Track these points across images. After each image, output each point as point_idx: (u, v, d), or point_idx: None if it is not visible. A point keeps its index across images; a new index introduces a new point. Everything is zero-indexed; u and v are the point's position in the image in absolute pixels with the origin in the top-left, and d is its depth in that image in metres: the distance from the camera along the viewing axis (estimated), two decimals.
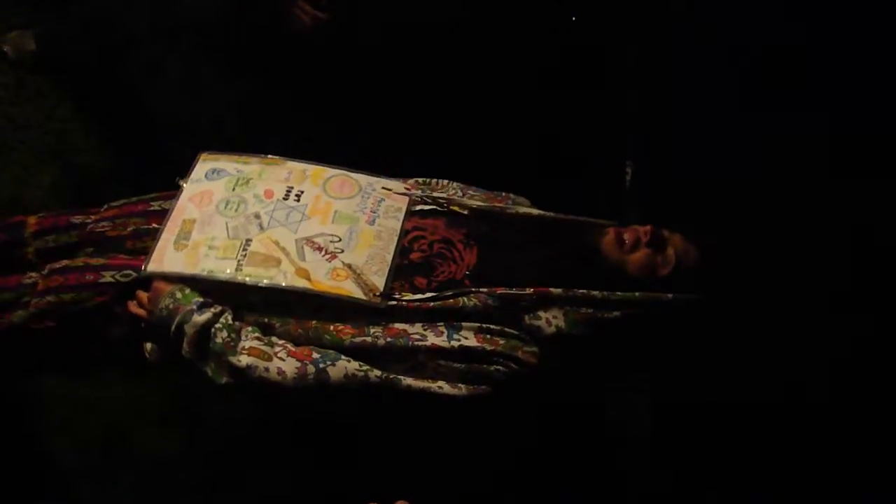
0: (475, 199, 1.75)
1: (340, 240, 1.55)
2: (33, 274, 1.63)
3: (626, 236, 1.57)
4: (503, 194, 1.82)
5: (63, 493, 2.28)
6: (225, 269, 1.50)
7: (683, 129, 2.55)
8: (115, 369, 2.06)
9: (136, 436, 2.38)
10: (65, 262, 1.62)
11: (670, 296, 1.54)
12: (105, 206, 1.75)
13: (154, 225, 1.62)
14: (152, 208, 1.69)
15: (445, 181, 1.82)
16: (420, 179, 1.80)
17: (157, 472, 2.36)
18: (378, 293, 1.48)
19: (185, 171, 1.70)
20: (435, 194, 1.71)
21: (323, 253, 1.53)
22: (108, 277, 1.57)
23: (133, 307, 1.52)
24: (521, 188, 2.47)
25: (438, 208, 1.67)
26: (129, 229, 1.66)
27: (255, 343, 1.43)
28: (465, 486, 2.39)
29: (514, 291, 1.50)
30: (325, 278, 1.49)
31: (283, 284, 1.48)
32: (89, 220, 1.71)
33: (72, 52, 2.62)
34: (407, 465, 2.31)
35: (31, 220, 1.75)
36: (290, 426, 2.40)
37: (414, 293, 1.50)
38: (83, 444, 2.32)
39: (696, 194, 2.46)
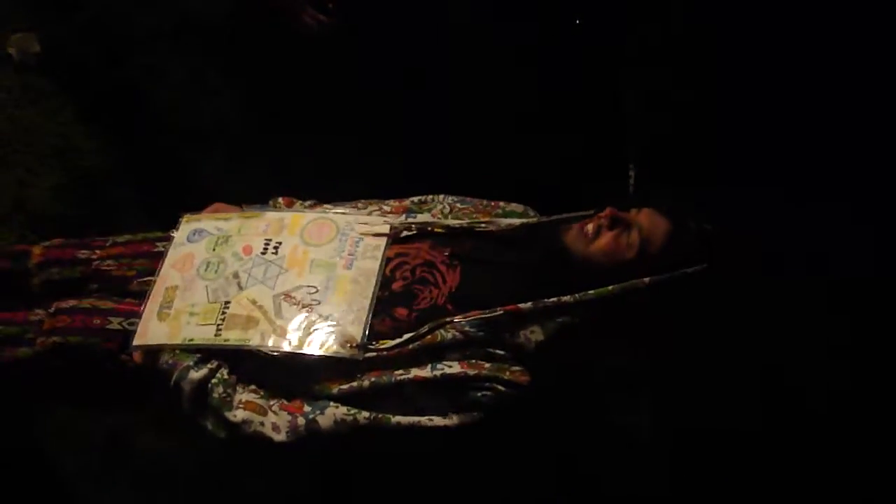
0: (463, 212, 1.74)
1: (317, 290, 1.57)
2: (40, 311, 1.65)
3: (589, 226, 1.56)
4: (493, 203, 1.79)
5: (63, 496, 2.29)
6: (204, 336, 1.53)
7: (686, 131, 2.55)
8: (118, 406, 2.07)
9: (137, 439, 2.38)
10: (72, 303, 1.64)
11: (647, 280, 1.50)
12: (110, 241, 1.76)
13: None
14: (157, 250, 1.71)
15: (441, 196, 1.80)
16: (415, 199, 1.79)
17: (157, 474, 2.37)
18: (355, 344, 1.49)
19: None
20: (419, 218, 1.70)
21: (300, 307, 1.55)
22: (115, 324, 1.59)
23: (138, 358, 1.54)
24: (523, 195, 2.49)
25: (420, 232, 1.66)
26: (135, 271, 1.68)
27: (251, 396, 1.47)
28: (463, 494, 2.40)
29: (486, 315, 1.48)
30: (302, 335, 1.51)
31: (260, 347, 1.51)
32: (94, 257, 1.72)
33: (76, 55, 2.63)
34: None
35: (36, 250, 1.76)
36: None
37: (394, 332, 1.50)
38: (84, 446, 2.33)
39: (699, 197, 2.46)
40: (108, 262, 1.70)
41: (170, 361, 1.49)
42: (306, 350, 1.49)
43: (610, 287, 1.49)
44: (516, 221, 1.67)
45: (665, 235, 1.55)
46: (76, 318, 1.60)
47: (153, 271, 1.64)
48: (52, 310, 1.63)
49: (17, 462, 2.21)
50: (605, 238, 1.54)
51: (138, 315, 1.58)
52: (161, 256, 1.67)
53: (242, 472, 2.41)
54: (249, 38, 2.65)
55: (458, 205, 1.77)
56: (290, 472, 2.41)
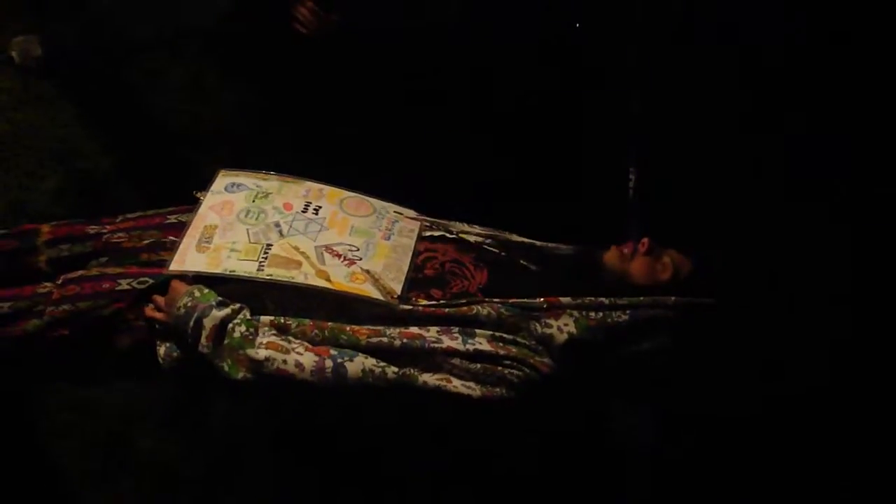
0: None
1: (358, 249, 1.61)
2: (48, 284, 1.64)
3: (625, 249, 1.65)
4: (504, 233, 1.85)
5: (65, 497, 2.28)
6: (246, 269, 1.54)
7: (686, 133, 2.57)
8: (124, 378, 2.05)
9: (138, 439, 2.38)
10: (80, 272, 1.63)
11: (673, 298, 1.59)
12: (121, 217, 1.75)
13: (171, 238, 1.64)
14: (169, 221, 1.71)
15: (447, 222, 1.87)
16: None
17: (159, 476, 2.36)
18: (396, 295, 1.53)
19: (197, 180, 1.74)
20: (442, 222, 1.77)
21: (342, 259, 1.59)
22: (124, 285, 1.58)
23: (150, 311, 1.54)
24: (524, 195, 2.50)
25: (447, 234, 1.73)
26: (145, 242, 1.67)
27: (273, 338, 1.46)
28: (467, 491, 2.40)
29: (526, 301, 1.55)
30: (344, 280, 1.54)
31: (305, 283, 1.52)
32: (105, 231, 1.71)
33: (77, 58, 2.64)
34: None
35: (45, 228, 1.75)
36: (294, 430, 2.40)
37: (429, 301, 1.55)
38: (85, 447, 2.32)
39: (698, 199, 2.48)
40: (119, 234, 1.70)
41: (189, 304, 1.48)
42: (348, 291, 1.52)
43: (641, 298, 1.58)
44: (537, 243, 1.75)
45: (689, 272, 1.65)
46: (85, 286, 1.59)
47: (164, 242, 1.65)
48: (59, 281, 1.62)
49: (18, 462, 2.20)
50: (642, 260, 1.63)
51: (147, 276, 1.58)
52: (173, 227, 1.67)
53: (244, 471, 2.42)
54: (249, 38, 2.65)
55: (477, 227, 1.83)
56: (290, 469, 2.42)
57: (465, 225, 1.84)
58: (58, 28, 2.65)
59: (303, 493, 2.44)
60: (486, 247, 1.71)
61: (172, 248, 1.60)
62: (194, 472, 2.38)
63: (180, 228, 1.64)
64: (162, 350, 1.55)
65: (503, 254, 1.71)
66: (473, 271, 1.63)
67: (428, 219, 1.75)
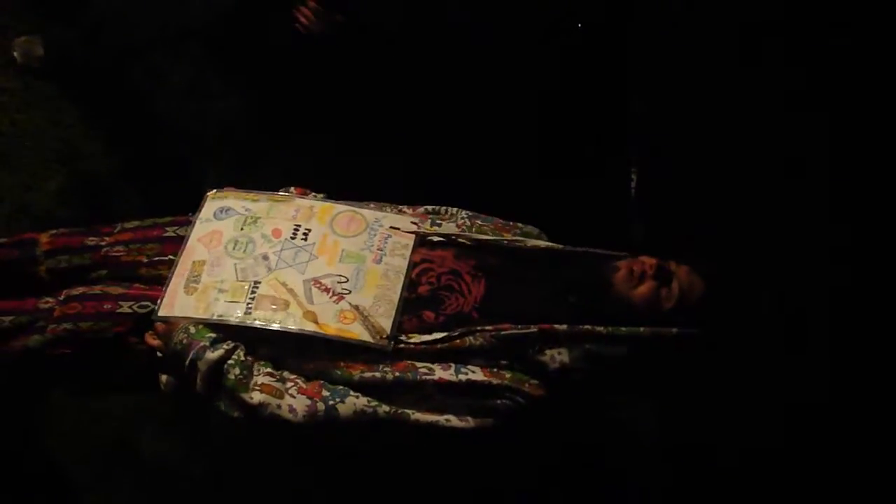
0: (483, 229, 1.76)
1: (347, 280, 1.58)
2: (49, 299, 1.64)
3: (634, 268, 1.59)
4: (511, 223, 1.82)
5: (67, 500, 2.28)
6: (235, 313, 1.52)
7: (687, 131, 2.57)
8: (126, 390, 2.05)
9: (141, 443, 2.38)
10: (82, 290, 1.63)
11: (674, 331, 1.55)
12: (118, 227, 1.75)
13: (170, 255, 1.64)
14: (167, 234, 1.70)
15: (454, 209, 1.83)
16: (429, 208, 1.81)
17: (161, 479, 2.36)
18: (385, 336, 1.51)
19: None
20: (443, 228, 1.71)
21: (330, 294, 1.55)
22: (125, 308, 1.59)
23: (150, 339, 1.54)
24: (526, 194, 2.50)
25: (446, 241, 1.68)
26: (145, 256, 1.67)
27: (267, 379, 1.46)
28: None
29: (519, 330, 1.51)
30: (332, 321, 1.52)
31: (293, 328, 1.51)
32: (103, 243, 1.71)
33: (80, 58, 2.63)
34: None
35: (44, 237, 1.75)
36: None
37: (421, 332, 1.53)
38: (88, 451, 2.32)
39: (700, 197, 2.48)
40: (118, 248, 1.69)
41: (184, 341, 1.48)
42: (337, 336, 1.50)
43: (641, 329, 1.54)
44: (541, 244, 1.71)
45: (700, 295, 1.60)
46: (87, 305, 1.60)
47: (164, 256, 1.64)
48: (61, 297, 1.63)
49: (22, 464, 2.21)
50: (648, 285, 1.57)
51: (149, 299, 1.58)
52: (171, 241, 1.67)
53: (246, 473, 2.42)
54: (252, 39, 2.65)
55: (479, 221, 1.79)
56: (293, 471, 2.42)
57: (468, 219, 1.79)
58: (60, 29, 2.64)
59: (302, 494, 2.44)
60: (485, 253, 1.66)
61: (169, 272, 1.60)
62: (196, 474, 2.38)
63: (179, 243, 1.64)
64: (164, 378, 1.57)
65: (503, 263, 1.65)
66: (471, 284, 1.59)
67: (427, 231, 1.68)
